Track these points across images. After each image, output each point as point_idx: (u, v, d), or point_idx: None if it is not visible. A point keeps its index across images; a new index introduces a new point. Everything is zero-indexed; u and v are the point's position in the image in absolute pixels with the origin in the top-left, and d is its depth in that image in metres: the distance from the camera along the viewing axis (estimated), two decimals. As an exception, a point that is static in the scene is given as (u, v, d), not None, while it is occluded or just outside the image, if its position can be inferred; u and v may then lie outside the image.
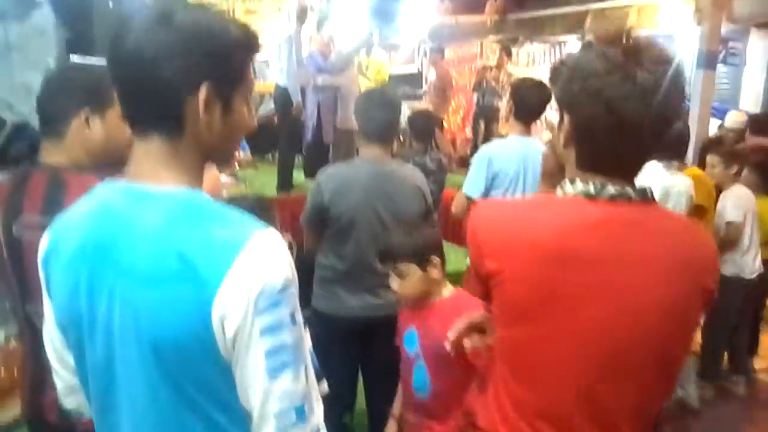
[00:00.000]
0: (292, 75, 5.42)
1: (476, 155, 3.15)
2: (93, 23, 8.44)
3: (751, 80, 7.80)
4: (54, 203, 1.39)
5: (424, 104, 7.89)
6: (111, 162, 1.49)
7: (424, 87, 8.88)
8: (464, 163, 9.30)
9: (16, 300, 1.55)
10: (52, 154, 1.55)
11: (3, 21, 7.24)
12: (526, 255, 1.06)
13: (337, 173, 2.51)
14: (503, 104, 8.17)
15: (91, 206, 1.01)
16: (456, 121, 10.44)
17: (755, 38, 7.61)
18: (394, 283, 2.10)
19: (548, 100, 2.96)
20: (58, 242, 1.03)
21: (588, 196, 1.08)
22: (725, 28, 7.27)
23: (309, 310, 2.61)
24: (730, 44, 7.27)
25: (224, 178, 4.67)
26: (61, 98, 1.55)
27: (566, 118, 1.11)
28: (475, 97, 8.08)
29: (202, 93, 0.94)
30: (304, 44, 5.82)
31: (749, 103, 7.58)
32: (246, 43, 0.99)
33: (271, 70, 5.77)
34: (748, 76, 7.78)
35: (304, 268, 2.33)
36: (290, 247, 1.97)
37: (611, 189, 1.07)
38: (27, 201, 1.48)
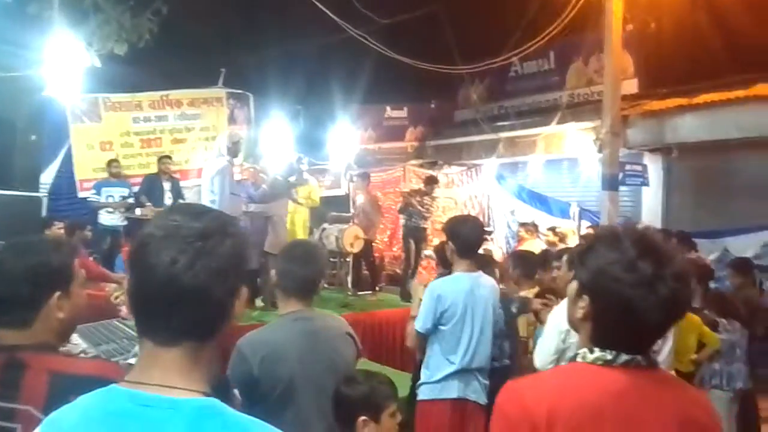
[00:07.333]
0: (226, 207, 5.43)
1: (426, 291, 3.20)
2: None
3: (649, 199, 8.59)
4: (10, 386, 1.28)
5: (353, 227, 8.07)
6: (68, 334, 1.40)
7: (352, 210, 9.09)
8: (393, 281, 9.45)
9: None
10: (9, 337, 1.38)
11: None
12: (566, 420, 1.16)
13: (265, 341, 2.26)
14: (428, 224, 8.58)
15: (95, 413, 0.94)
16: (383, 239, 10.68)
17: (648, 161, 8.47)
18: None
19: (485, 233, 3.09)
20: None
21: (605, 362, 1.22)
22: (623, 153, 8.09)
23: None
24: (628, 167, 8.02)
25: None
26: (25, 287, 1.39)
27: (587, 298, 1.25)
28: (402, 219, 8.36)
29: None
30: (235, 175, 5.91)
31: (650, 219, 8.29)
32: None
33: (203, 200, 5.76)
34: (647, 195, 8.57)
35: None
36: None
37: (624, 356, 1.22)
38: None
